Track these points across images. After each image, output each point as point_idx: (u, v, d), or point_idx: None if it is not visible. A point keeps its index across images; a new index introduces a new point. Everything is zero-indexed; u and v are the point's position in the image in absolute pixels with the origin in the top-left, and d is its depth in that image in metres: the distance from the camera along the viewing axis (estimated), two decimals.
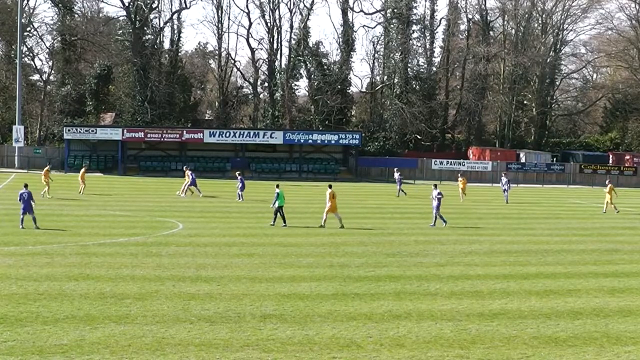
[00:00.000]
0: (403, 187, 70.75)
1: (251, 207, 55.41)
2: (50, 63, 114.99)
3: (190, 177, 63.03)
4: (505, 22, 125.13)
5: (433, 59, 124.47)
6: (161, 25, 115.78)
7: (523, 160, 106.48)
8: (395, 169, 75.58)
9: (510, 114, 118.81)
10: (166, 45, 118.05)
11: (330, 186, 46.45)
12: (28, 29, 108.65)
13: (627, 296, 27.66)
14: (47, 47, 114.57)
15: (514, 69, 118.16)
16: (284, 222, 44.61)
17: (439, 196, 46.88)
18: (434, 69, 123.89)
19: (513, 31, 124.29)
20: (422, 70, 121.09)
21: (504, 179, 69.36)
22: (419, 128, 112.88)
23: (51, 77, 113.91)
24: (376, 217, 52.00)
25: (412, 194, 72.43)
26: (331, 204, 44.73)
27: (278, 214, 44.79)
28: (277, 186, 46.69)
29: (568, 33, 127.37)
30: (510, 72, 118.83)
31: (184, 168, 68.41)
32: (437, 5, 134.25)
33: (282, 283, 27.82)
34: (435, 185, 48.68)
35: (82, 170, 64.67)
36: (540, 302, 26.13)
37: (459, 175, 71.45)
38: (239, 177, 61.11)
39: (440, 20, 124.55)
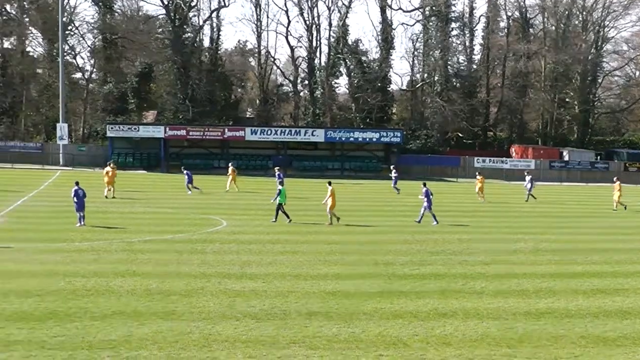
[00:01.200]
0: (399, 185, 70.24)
1: (293, 204, 55.43)
2: (92, 61, 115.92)
3: (187, 175, 63.45)
4: (545, 20, 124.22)
5: (473, 56, 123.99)
6: (200, 23, 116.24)
7: (566, 158, 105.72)
8: (391, 167, 75.19)
9: (553, 112, 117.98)
10: (206, 43, 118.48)
11: (329, 183, 46.27)
12: (69, 27, 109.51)
13: None
14: (89, 46, 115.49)
15: (554, 67, 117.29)
16: (275, 218, 44.63)
17: (427, 195, 46.48)
18: (474, 66, 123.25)
19: (553, 28, 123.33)
20: (462, 67, 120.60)
21: (527, 177, 67.88)
22: (461, 126, 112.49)
23: (93, 76, 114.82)
24: (418, 215, 51.75)
25: (453, 192, 72.27)
26: (332, 202, 44.54)
27: (279, 211, 44.92)
28: (281, 183, 47.20)
29: (609, 30, 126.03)
30: (551, 69, 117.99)
31: (229, 165, 69.09)
32: (475, 3, 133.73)
33: (327, 280, 27.84)
34: (424, 184, 48.34)
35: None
36: (588, 301, 25.93)
37: (477, 174, 69.58)
38: (277, 174, 61.39)
39: (480, 18, 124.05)
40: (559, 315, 23.93)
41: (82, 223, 40.31)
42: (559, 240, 41.07)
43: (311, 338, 20.58)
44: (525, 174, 71.37)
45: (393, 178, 70.11)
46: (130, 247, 33.86)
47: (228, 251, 33.70)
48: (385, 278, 28.67)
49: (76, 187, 41.29)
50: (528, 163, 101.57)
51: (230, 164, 69.58)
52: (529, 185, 66.43)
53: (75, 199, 40.82)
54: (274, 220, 44.42)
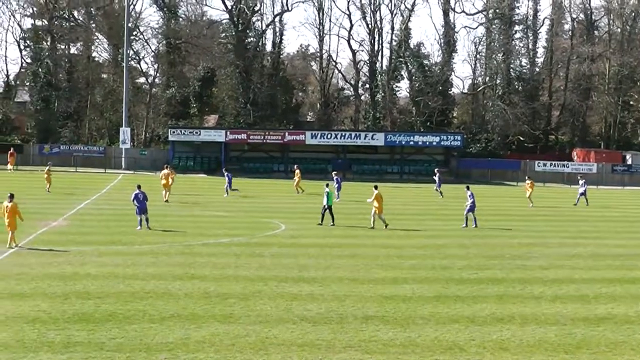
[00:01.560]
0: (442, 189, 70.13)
1: (351, 208, 55.54)
2: (156, 66, 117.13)
3: (227, 177, 64.13)
4: (611, 21, 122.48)
5: (536, 59, 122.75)
6: (263, 27, 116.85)
7: (629, 162, 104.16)
8: (436, 169, 75.01)
9: (616, 115, 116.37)
10: (268, 47, 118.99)
11: (376, 187, 45.63)
12: (134, 33, 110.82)
13: None
14: (153, 51, 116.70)
15: (619, 69, 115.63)
16: (332, 221, 44.94)
17: (472, 198, 46.21)
18: (537, 69, 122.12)
19: (619, 30, 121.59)
20: (524, 71, 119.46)
21: (581, 182, 66.40)
22: (522, 129, 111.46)
23: (156, 80, 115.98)
24: (477, 219, 51.45)
25: (513, 196, 71.79)
26: (379, 206, 44.12)
27: (326, 212, 45.24)
28: (327, 185, 47.35)
29: None
30: (616, 72, 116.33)
31: (296, 167, 71.27)
32: (540, 5, 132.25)
33: (384, 285, 27.86)
34: (468, 187, 48.02)
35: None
36: None
37: (527, 178, 67.77)
38: (335, 178, 61.53)
39: (544, 20, 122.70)
40: (618, 321, 23.68)
41: (146, 226, 40.77)
42: (619, 245, 40.54)
43: (367, 342, 20.65)
44: (579, 177, 70.13)
45: (437, 181, 70.04)
46: (189, 250, 34.22)
47: (286, 255, 33.88)
48: (442, 282, 28.61)
49: (137, 191, 41.79)
50: (590, 167, 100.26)
51: (296, 166, 70.73)
52: (581, 190, 65.38)
53: (135, 202, 41.32)
54: (332, 224, 44.58)
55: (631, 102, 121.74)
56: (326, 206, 45.39)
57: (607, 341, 21.43)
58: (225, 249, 35.26)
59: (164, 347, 19.62)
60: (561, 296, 26.85)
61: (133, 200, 41.59)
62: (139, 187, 42.54)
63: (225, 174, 65.13)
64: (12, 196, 34.23)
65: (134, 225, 41.27)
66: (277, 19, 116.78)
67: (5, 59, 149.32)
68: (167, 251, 33.87)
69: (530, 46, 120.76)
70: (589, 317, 23.95)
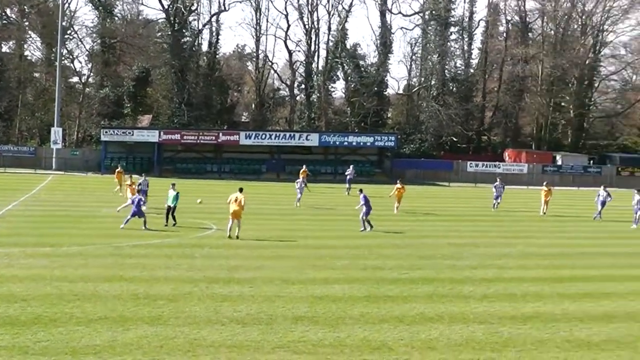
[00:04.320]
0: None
1: (286, 209, 55.53)
2: (90, 65, 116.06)
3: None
4: (545, 24, 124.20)
5: (471, 60, 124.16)
6: (200, 27, 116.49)
7: (559, 162, 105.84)
8: (351, 166, 76.73)
9: (547, 116, 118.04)
10: (204, 47, 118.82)
11: (240, 190, 40.25)
12: (69, 31, 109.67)
13: None
14: (87, 50, 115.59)
15: (552, 71, 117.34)
16: (167, 222, 43.71)
17: (363, 201, 44.75)
18: (472, 70, 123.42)
19: (552, 32, 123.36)
20: (459, 72, 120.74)
21: (602, 192, 57.69)
22: (455, 130, 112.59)
23: (90, 80, 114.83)
24: (410, 219, 51.89)
25: (445, 196, 72.29)
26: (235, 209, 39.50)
27: (169, 214, 43.85)
28: (173, 186, 45.20)
29: (608, 34, 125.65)
30: (549, 73, 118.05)
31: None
32: (475, 7, 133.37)
33: (315, 285, 27.81)
34: (361, 190, 46.57)
35: None
36: (574, 305, 25.94)
37: (544, 183, 62.54)
38: (300, 179, 61.48)
39: (479, 22, 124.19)
40: (544, 319, 23.93)
41: (123, 225, 41.23)
42: (548, 245, 41.13)
43: (296, 343, 20.59)
44: (602, 188, 59.59)
45: (348, 177, 70.71)
46: (119, 252, 33.80)
47: (217, 256, 33.67)
48: (373, 282, 28.66)
49: (138, 196, 43.39)
50: (521, 167, 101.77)
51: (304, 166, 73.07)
52: (607, 200, 57.56)
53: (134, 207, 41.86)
54: (166, 224, 43.52)
55: (562, 104, 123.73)
56: (168, 206, 44.05)
57: (533, 339, 21.62)
58: (156, 250, 34.92)
59: (91, 350, 19.33)
60: (489, 295, 27.07)
61: (132, 203, 42.12)
62: (144, 192, 45.76)
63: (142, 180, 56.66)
64: None
65: (62, 226, 40.85)
66: (213, 18, 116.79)
67: None
68: (97, 252, 33.43)
69: (466, 47, 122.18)
70: (516, 316, 24.17)
